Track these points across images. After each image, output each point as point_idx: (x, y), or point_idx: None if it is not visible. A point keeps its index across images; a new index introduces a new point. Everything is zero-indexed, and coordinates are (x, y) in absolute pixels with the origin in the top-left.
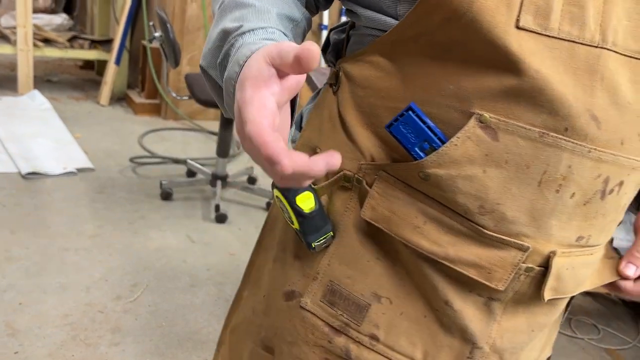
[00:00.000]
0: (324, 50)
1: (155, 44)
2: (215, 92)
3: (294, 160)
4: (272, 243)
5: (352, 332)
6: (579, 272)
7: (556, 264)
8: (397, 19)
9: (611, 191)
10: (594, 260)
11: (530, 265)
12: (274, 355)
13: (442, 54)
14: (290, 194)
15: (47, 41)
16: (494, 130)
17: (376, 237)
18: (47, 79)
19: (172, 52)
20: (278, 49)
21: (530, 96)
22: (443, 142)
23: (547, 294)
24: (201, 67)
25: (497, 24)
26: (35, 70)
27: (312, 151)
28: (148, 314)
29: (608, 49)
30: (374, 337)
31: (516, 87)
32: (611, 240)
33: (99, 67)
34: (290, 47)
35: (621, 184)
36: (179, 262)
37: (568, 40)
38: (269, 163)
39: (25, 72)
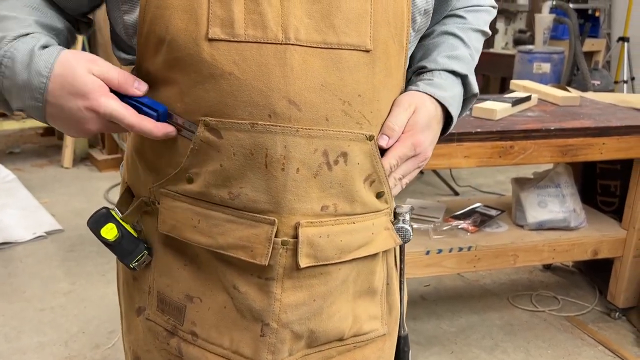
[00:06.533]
0: None
1: None
2: None
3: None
4: (121, 271)
5: (180, 332)
6: (338, 239)
7: (305, 233)
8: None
9: (336, 162)
10: (360, 229)
11: (285, 239)
12: None
13: (167, 78)
14: (96, 229)
15: (4, 115)
16: (217, 130)
17: (179, 247)
18: (9, 151)
19: None
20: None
21: (233, 95)
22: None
23: (303, 261)
24: None
25: (188, 40)
26: None
27: (127, 186)
28: None
29: (293, 44)
30: (194, 334)
31: (221, 91)
32: (395, 215)
33: (59, 132)
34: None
35: (345, 155)
36: None
37: (254, 42)
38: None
39: None
